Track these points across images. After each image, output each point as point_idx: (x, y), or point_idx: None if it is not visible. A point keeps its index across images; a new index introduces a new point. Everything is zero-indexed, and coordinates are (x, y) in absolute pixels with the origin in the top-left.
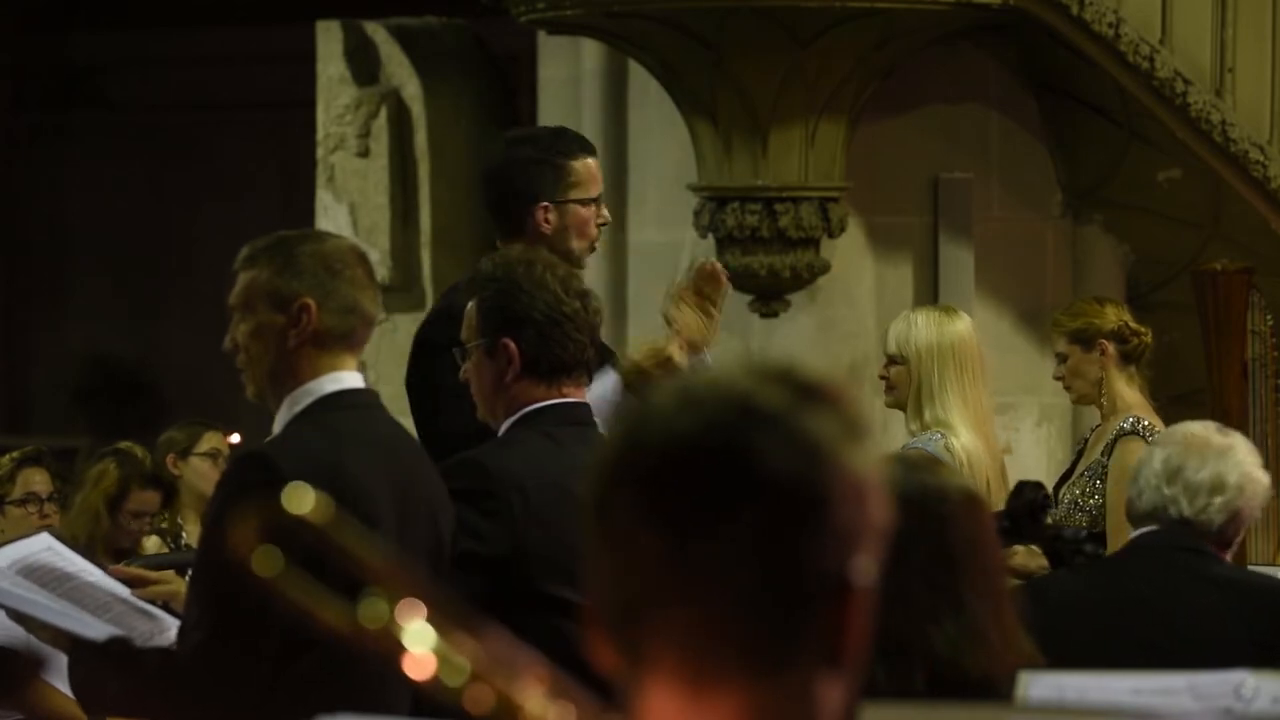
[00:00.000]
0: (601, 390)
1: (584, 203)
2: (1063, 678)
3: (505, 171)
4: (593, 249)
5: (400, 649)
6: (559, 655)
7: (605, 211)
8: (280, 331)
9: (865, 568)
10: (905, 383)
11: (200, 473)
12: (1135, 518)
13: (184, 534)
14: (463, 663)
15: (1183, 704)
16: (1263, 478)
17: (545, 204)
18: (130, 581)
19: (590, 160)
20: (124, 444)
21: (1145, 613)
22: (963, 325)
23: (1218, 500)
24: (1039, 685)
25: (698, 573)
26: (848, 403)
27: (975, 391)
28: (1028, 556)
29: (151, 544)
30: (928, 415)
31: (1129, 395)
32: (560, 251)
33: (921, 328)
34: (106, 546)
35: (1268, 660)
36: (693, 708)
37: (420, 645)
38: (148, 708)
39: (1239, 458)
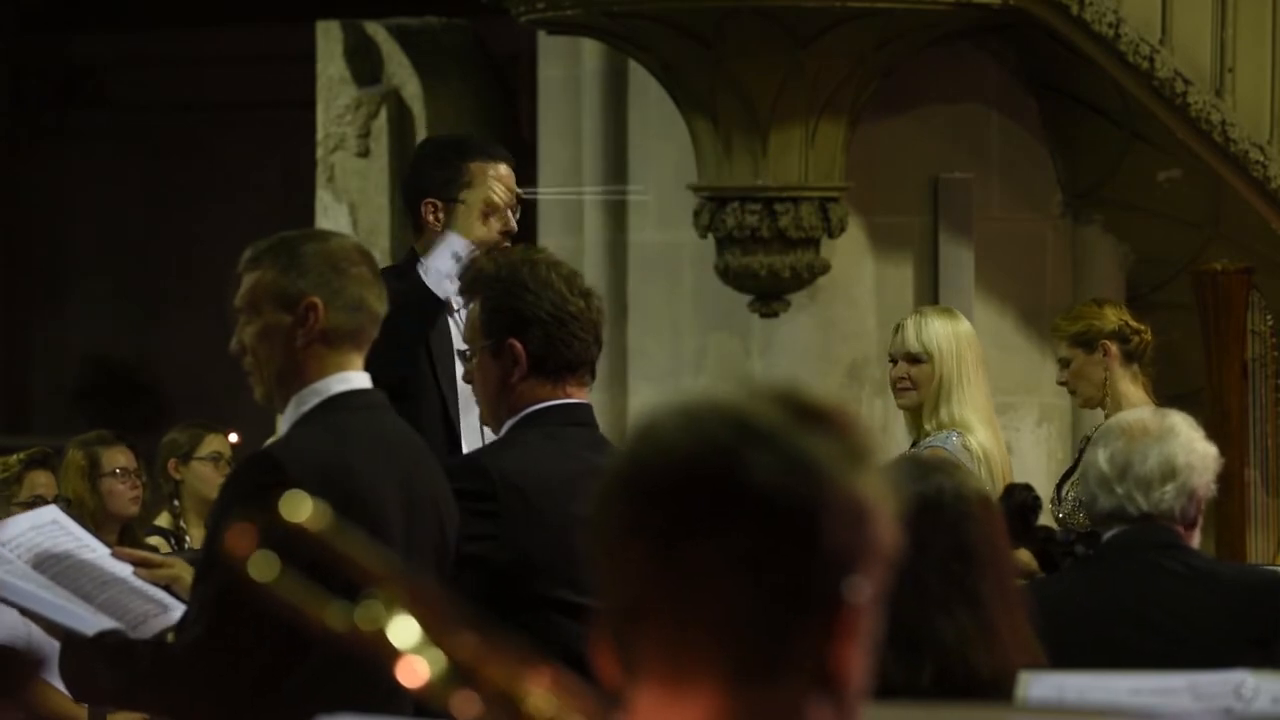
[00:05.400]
0: None
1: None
2: (1063, 678)
3: (406, 169)
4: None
5: (395, 654)
6: (558, 656)
7: (511, 219)
8: (288, 332)
9: (862, 588)
10: (928, 380)
11: (202, 477)
12: (1097, 520)
13: (188, 538)
14: (452, 668)
15: (1183, 704)
16: (1209, 449)
17: (432, 200)
18: (135, 562)
19: (494, 165)
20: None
21: (1129, 616)
22: (968, 324)
23: (1170, 487)
24: (1039, 685)
25: (684, 581)
26: (852, 427)
27: (985, 389)
28: (1028, 557)
29: (154, 545)
30: (944, 414)
31: (1134, 394)
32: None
33: (938, 325)
34: (103, 525)
35: (1261, 655)
36: (674, 712)
37: (405, 640)
38: (140, 702)
39: (1182, 437)
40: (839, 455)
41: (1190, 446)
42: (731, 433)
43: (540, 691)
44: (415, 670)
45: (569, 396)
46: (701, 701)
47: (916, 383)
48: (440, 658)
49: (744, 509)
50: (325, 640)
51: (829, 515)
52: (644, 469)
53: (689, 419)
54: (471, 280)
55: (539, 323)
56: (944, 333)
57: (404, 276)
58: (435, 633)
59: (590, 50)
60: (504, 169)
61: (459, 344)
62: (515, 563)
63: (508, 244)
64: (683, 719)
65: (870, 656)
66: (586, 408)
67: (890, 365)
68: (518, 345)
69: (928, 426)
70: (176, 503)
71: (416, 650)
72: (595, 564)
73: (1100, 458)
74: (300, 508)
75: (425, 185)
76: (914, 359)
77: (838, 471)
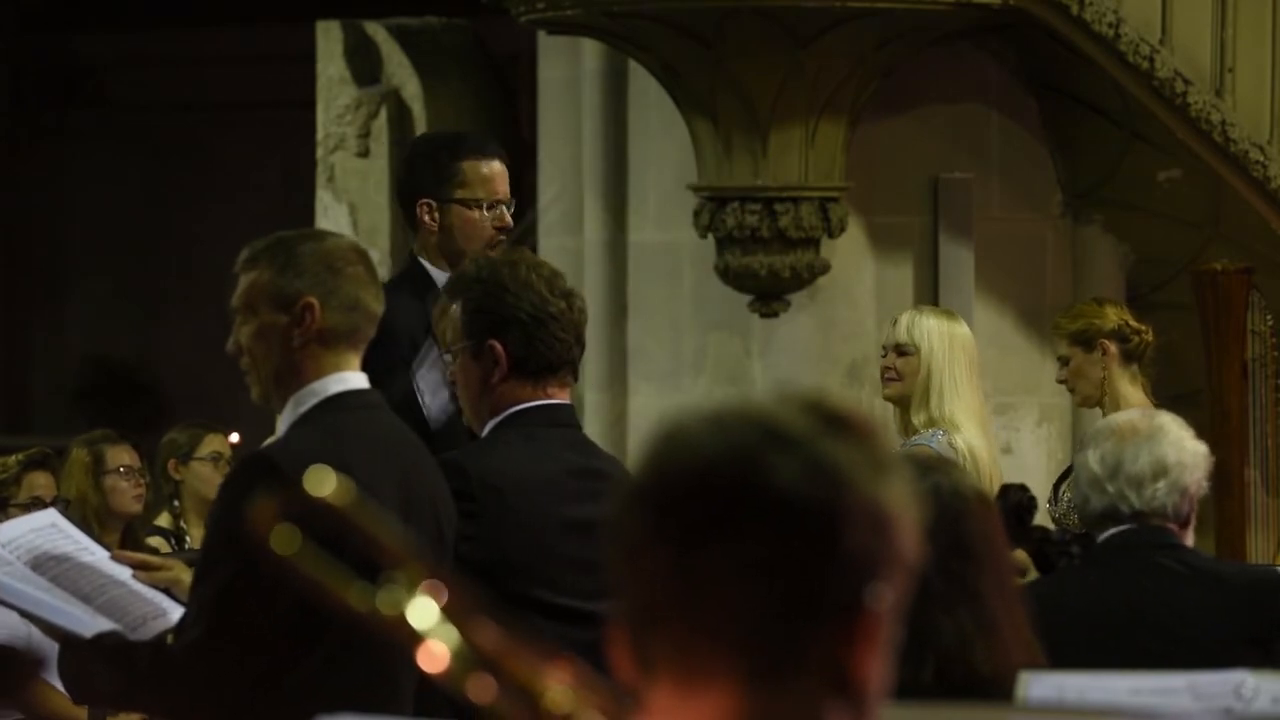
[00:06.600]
0: None
1: (468, 204)
2: (1063, 678)
3: (400, 168)
4: (492, 249)
5: (416, 638)
6: None
7: (506, 215)
8: (284, 332)
9: (882, 595)
10: (913, 373)
11: (202, 477)
12: (1091, 521)
13: (188, 538)
14: (470, 651)
15: (1182, 704)
16: (1199, 446)
17: (427, 201)
18: (134, 565)
19: (487, 163)
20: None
21: (1128, 616)
22: (966, 328)
23: (1162, 484)
24: (1039, 685)
25: (695, 590)
26: (877, 437)
27: (978, 392)
28: (1024, 558)
29: (154, 545)
30: (934, 409)
31: (1132, 394)
32: (450, 252)
33: (932, 321)
34: (106, 523)
35: (1260, 655)
36: (689, 712)
37: (424, 622)
38: (139, 703)
39: (1171, 436)
40: (863, 462)
41: (1180, 445)
42: (757, 438)
43: (559, 686)
44: (436, 655)
45: (550, 397)
46: (715, 702)
47: (901, 374)
48: (454, 635)
49: (760, 515)
50: (344, 621)
51: (850, 521)
52: (665, 474)
53: (715, 424)
54: (453, 281)
55: (519, 324)
56: (936, 329)
57: (407, 292)
58: (457, 622)
59: (590, 50)
60: (497, 165)
61: None
62: (493, 562)
63: (502, 239)
64: (697, 718)
65: (890, 661)
66: (568, 408)
67: (881, 357)
68: (498, 346)
69: (915, 422)
70: (176, 503)
71: (433, 631)
72: (613, 566)
73: (1091, 459)
74: (325, 482)
75: (419, 185)
76: (901, 350)
77: (861, 478)
